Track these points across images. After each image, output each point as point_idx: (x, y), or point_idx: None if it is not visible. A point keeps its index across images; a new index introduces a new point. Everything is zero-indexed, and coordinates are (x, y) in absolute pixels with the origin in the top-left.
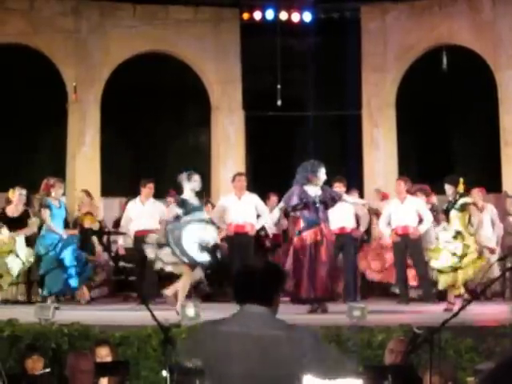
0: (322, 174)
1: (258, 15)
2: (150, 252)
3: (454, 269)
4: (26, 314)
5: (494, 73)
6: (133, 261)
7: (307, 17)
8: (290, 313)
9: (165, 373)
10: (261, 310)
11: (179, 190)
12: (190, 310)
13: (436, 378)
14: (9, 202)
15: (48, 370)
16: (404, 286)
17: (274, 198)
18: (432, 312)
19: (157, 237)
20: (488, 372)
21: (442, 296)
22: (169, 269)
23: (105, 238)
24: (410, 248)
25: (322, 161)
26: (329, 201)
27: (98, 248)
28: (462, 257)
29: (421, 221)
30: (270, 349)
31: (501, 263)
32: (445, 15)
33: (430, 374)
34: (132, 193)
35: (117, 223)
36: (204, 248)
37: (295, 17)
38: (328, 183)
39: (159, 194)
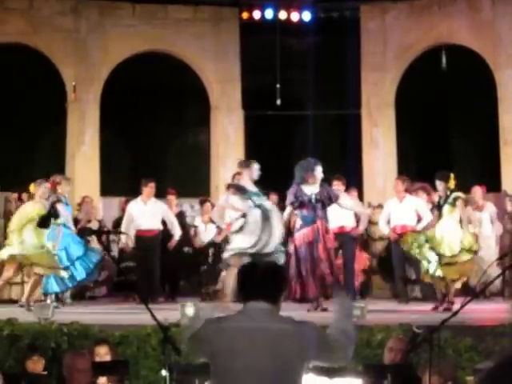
0: (319, 172)
1: (257, 14)
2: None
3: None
4: (25, 314)
5: (493, 72)
6: (134, 260)
7: (306, 16)
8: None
9: (164, 372)
10: (265, 306)
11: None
12: (190, 310)
13: (435, 377)
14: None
15: (46, 372)
16: (403, 285)
17: (273, 197)
18: (431, 311)
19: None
20: (487, 371)
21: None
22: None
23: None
24: None
25: (321, 160)
26: (325, 199)
27: (97, 247)
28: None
29: (419, 220)
30: (276, 342)
31: (500, 262)
32: (444, 14)
33: (430, 373)
34: (131, 192)
35: (116, 223)
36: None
37: (294, 16)
38: (327, 182)
39: (159, 194)
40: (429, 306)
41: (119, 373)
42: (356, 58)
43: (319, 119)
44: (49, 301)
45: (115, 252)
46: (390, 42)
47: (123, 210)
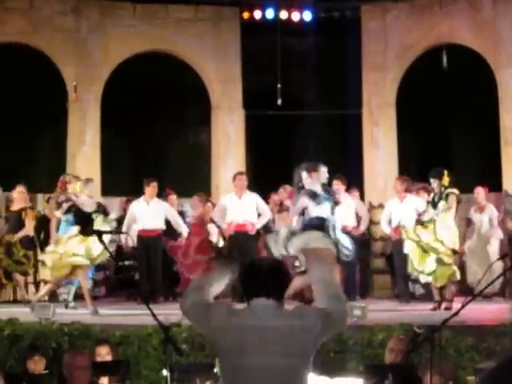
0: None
1: (258, 14)
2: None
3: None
4: (26, 314)
5: (494, 71)
6: (132, 259)
7: (307, 16)
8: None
9: (165, 372)
10: (270, 302)
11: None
12: None
13: (436, 377)
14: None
15: (47, 371)
16: (405, 284)
17: (274, 198)
18: (432, 311)
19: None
20: (488, 371)
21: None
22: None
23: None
24: None
25: (322, 160)
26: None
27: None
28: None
29: None
30: (285, 339)
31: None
32: (445, 14)
33: (431, 373)
34: (132, 192)
35: (117, 223)
36: None
37: (295, 16)
38: (328, 181)
39: (160, 193)
40: (430, 306)
41: (120, 373)
42: (357, 58)
43: (320, 119)
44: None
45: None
46: (390, 42)
47: (124, 210)
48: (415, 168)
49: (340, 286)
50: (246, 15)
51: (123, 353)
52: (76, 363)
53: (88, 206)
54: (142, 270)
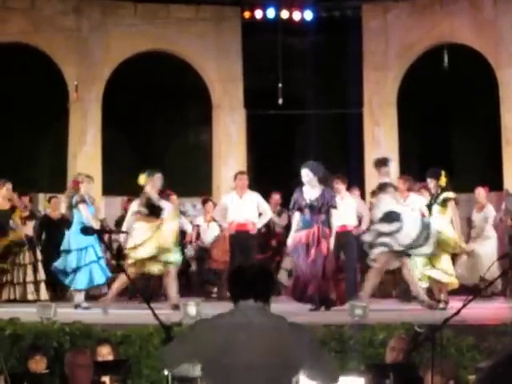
0: (303, 176)
1: (259, 14)
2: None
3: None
4: (27, 313)
5: (495, 71)
6: None
7: (308, 15)
8: (291, 311)
9: (166, 371)
10: (258, 304)
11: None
12: (192, 309)
13: (437, 376)
14: None
15: (49, 371)
16: (406, 284)
17: (275, 197)
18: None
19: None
20: (488, 369)
21: None
22: None
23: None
24: None
25: (323, 159)
26: (324, 205)
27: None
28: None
29: None
30: (273, 337)
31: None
32: (446, 13)
33: (432, 372)
34: (133, 192)
35: (118, 222)
36: None
37: (296, 15)
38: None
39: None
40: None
41: (122, 372)
42: (358, 57)
43: (321, 118)
44: (79, 298)
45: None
46: (391, 41)
47: (125, 210)
48: (416, 167)
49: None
50: (247, 15)
51: (124, 352)
52: (77, 362)
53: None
54: None
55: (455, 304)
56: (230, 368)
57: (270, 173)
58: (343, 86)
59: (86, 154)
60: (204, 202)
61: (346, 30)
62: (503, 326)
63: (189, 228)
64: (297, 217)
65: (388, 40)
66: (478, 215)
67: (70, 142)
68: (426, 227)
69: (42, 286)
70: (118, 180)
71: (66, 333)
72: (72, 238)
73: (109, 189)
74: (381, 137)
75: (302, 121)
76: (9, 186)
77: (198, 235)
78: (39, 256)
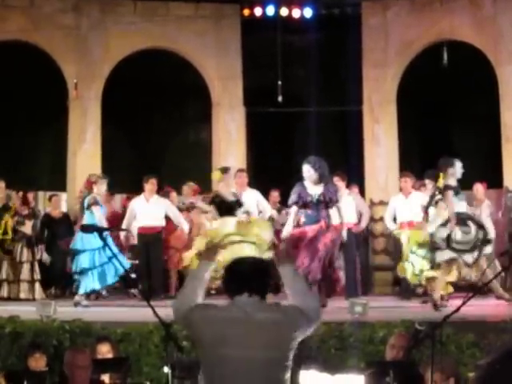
0: (304, 172)
1: (258, 11)
2: None
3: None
4: (27, 311)
5: (494, 68)
6: (136, 257)
7: (308, 13)
8: None
9: (166, 369)
10: (254, 299)
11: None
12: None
13: (437, 373)
14: None
15: (48, 368)
16: (406, 281)
17: (274, 194)
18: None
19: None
20: (486, 364)
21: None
22: None
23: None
24: None
25: (323, 156)
26: (328, 201)
27: None
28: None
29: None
30: (269, 332)
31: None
32: (445, 11)
33: (432, 369)
34: (133, 189)
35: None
36: None
37: (296, 13)
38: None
39: (159, 191)
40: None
41: (121, 370)
42: (357, 55)
43: (321, 116)
44: (82, 299)
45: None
46: (391, 39)
47: (124, 207)
48: (416, 165)
49: (304, 281)
50: (246, 12)
51: (124, 350)
52: (77, 361)
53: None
54: (142, 267)
55: (455, 301)
56: (224, 360)
57: (270, 170)
58: (343, 83)
59: (85, 151)
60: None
61: (345, 27)
62: (503, 323)
63: (186, 227)
64: (294, 211)
65: (387, 37)
66: (475, 211)
67: (69, 139)
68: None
69: (37, 286)
70: (118, 178)
71: (65, 331)
72: (85, 238)
73: (108, 187)
74: (380, 134)
75: (302, 118)
76: (1, 184)
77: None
78: (37, 255)
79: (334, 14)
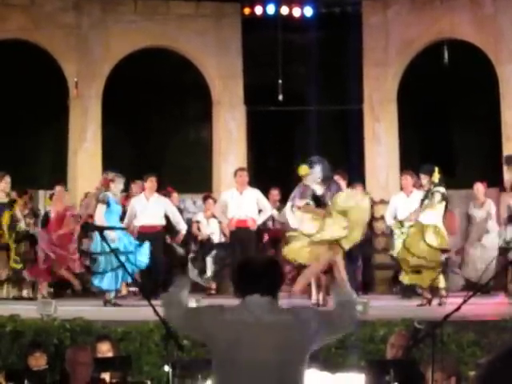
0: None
1: (259, 10)
2: None
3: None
4: (28, 310)
5: (495, 67)
6: None
7: (308, 11)
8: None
9: (167, 368)
10: (266, 299)
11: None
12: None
13: (438, 372)
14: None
15: (48, 367)
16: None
17: (274, 193)
18: (434, 306)
19: None
20: (486, 363)
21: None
22: None
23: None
24: None
25: (323, 155)
26: (330, 199)
27: None
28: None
29: None
30: (280, 334)
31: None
32: (446, 9)
33: (432, 368)
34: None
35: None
36: None
37: (296, 11)
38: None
39: (159, 189)
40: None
41: (122, 368)
42: (358, 53)
43: (321, 115)
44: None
45: None
46: (391, 37)
47: (124, 206)
48: (416, 163)
49: (354, 301)
50: (247, 11)
51: (125, 348)
52: (78, 359)
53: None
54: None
55: (456, 300)
56: (237, 364)
57: (271, 169)
58: (343, 82)
59: (86, 150)
60: (205, 199)
61: (346, 26)
62: (504, 321)
63: (183, 227)
64: (288, 212)
65: (388, 36)
66: (476, 211)
67: (70, 138)
68: None
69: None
70: None
71: (66, 329)
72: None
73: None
74: (381, 133)
75: (302, 117)
76: (7, 179)
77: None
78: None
79: (334, 13)
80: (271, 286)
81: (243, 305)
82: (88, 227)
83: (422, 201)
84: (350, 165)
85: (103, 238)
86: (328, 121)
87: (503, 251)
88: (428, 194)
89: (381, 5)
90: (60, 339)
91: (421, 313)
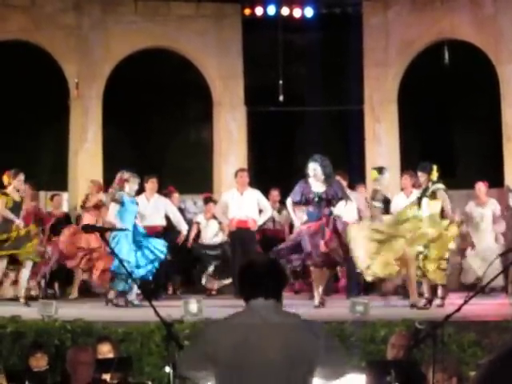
0: (310, 170)
1: (259, 11)
2: None
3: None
4: (29, 311)
5: (495, 67)
6: None
7: (309, 12)
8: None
9: (168, 369)
10: (270, 302)
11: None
12: (193, 306)
13: (439, 373)
14: None
15: (49, 367)
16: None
17: (274, 193)
18: (434, 307)
19: None
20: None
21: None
22: None
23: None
24: None
25: (324, 155)
26: (331, 199)
27: None
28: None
29: None
30: (290, 335)
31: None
32: (446, 10)
33: (433, 368)
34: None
35: None
36: None
37: (297, 12)
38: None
39: (160, 190)
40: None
41: (123, 369)
42: (358, 54)
43: (322, 115)
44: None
45: None
46: (392, 38)
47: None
48: (417, 164)
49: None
50: (247, 12)
51: (126, 349)
52: (79, 359)
53: None
54: None
55: (456, 300)
56: (247, 366)
57: (271, 170)
58: (344, 82)
59: (86, 151)
60: (206, 201)
61: (346, 26)
62: (505, 322)
63: (184, 227)
64: (289, 207)
65: (388, 37)
66: (478, 210)
67: (70, 139)
68: None
69: (42, 285)
70: None
71: (67, 330)
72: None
73: (110, 186)
74: (381, 133)
75: (303, 118)
76: (21, 176)
77: (199, 232)
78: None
79: (334, 14)
80: (274, 289)
81: (249, 308)
82: (88, 228)
83: (419, 198)
84: (350, 165)
85: (103, 239)
86: (328, 121)
87: (504, 251)
88: (425, 192)
89: (381, 5)
90: (61, 340)
91: (421, 313)
